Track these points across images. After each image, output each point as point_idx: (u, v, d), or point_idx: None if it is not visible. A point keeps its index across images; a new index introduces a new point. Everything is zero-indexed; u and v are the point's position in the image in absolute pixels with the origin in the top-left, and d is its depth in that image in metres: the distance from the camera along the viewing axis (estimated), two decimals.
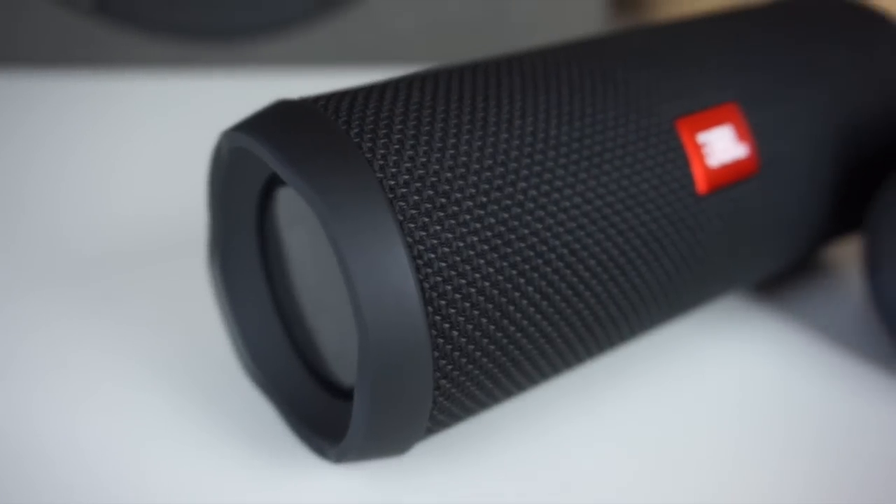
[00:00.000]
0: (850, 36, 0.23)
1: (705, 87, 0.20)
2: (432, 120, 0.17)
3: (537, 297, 0.17)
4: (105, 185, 0.30)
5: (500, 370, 0.17)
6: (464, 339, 0.16)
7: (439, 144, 0.16)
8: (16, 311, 0.23)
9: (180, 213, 0.28)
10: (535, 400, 0.21)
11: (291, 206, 0.19)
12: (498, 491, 0.18)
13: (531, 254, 0.16)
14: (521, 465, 0.19)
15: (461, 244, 0.16)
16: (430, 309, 0.15)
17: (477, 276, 0.16)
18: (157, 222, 0.28)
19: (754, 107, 0.20)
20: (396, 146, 0.16)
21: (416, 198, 0.15)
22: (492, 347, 0.16)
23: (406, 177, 0.16)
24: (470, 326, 0.16)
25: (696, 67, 0.20)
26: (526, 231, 0.16)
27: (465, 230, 0.16)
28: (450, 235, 0.16)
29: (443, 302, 0.15)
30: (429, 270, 0.15)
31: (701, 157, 0.19)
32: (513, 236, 0.16)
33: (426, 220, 0.15)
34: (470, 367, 0.16)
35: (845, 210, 0.23)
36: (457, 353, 0.16)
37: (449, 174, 0.16)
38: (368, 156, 0.16)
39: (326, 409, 0.19)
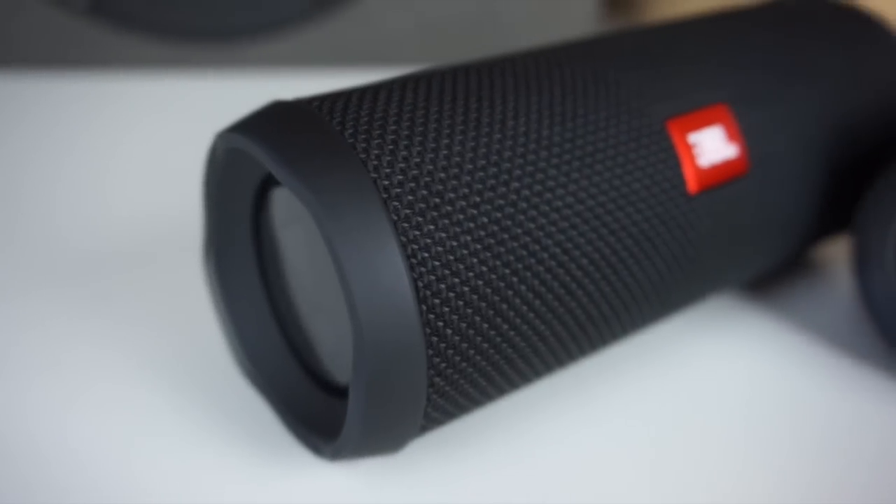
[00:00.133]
0: (840, 37, 0.24)
1: (696, 88, 0.20)
2: (426, 121, 0.17)
3: (530, 295, 0.17)
4: (101, 186, 0.30)
5: (494, 368, 0.17)
6: (458, 338, 0.16)
7: (433, 145, 0.16)
8: (12, 311, 0.23)
9: (176, 214, 0.29)
10: (528, 397, 0.21)
11: (286, 207, 0.19)
12: (492, 488, 0.18)
13: (524, 253, 0.17)
14: (514, 462, 0.19)
15: (455, 243, 0.16)
16: (424, 307, 0.15)
17: (470, 274, 0.16)
18: (153, 222, 0.28)
19: (744, 107, 0.21)
20: (390, 147, 0.16)
21: (409, 198, 0.16)
22: (485, 345, 0.17)
23: (400, 177, 0.16)
24: (464, 325, 0.16)
25: (688, 69, 0.21)
26: (519, 230, 0.17)
27: (458, 229, 0.16)
28: (443, 235, 0.16)
29: (437, 300, 0.16)
30: (423, 269, 0.15)
31: (692, 158, 0.19)
32: (506, 235, 0.16)
33: (420, 219, 0.16)
34: (464, 364, 0.16)
35: (835, 209, 0.23)
36: (451, 351, 0.16)
37: (442, 174, 0.16)
38: (363, 156, 0.16)
39: (322, 407, 0.19)
